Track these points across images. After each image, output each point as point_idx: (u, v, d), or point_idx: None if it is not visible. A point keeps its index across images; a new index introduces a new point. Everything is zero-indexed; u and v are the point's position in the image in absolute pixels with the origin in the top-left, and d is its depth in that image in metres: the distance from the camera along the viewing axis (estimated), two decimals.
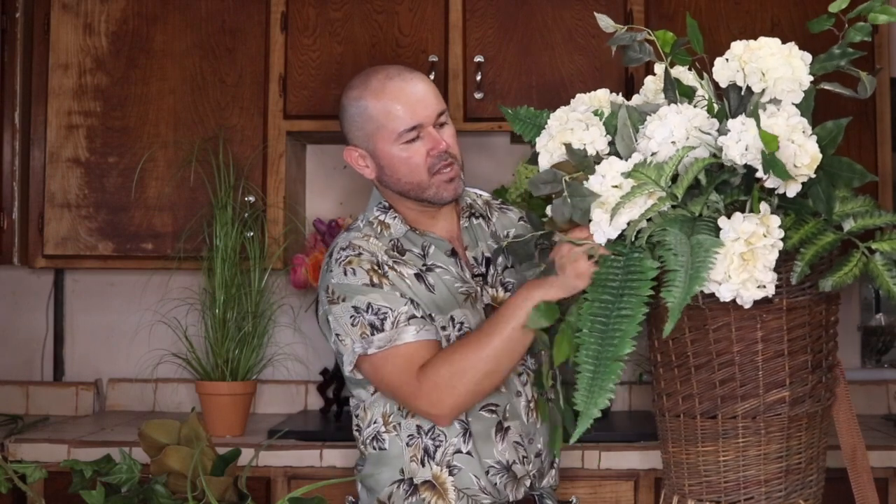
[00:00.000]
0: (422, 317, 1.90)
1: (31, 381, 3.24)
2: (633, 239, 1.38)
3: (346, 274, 1.92)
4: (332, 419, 2.96)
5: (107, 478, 1.62)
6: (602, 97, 1.59)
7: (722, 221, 1.33)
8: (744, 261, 1.31)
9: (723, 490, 1.48)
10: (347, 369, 1.95)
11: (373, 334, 1.88)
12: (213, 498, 1.49)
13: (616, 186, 1.37)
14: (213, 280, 2.78)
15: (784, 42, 1.43)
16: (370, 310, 1.89)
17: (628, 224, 1.37)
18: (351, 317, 1.90)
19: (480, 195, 2.17)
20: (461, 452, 1.94)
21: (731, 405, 1.45)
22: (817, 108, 1.44)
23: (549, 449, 2.03)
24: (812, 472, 1.51)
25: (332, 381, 3.01)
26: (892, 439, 2.67)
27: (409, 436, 1.95)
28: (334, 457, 2.60)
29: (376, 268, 1.92)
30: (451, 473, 1.93)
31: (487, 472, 1.94)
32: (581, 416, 1.32)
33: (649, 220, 1.37)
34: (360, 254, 1.93)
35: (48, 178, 2.96)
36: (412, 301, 1.91)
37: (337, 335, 1.94)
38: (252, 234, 2.83)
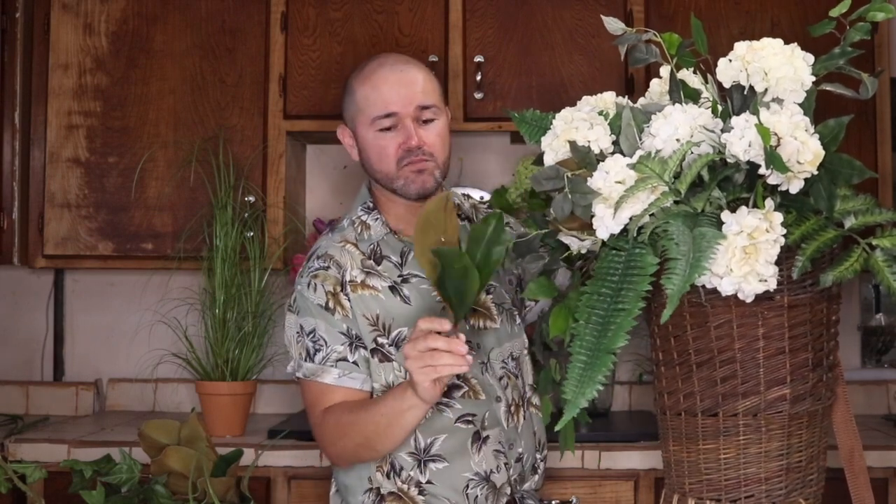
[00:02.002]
0: (354, 361, 1.92)
1: (31, 381, 3.24)
2: (635, 234, 1.38)
3: (309, 286, 1.95)
4: None
5: (107, 478, 1.62)
6: (608, 99, 1.59)
7: (725, 215, 1.34)
8: (746, 254, 1.32)
9: (723, 488, 1.48)
10: (290, 374, 2.01)
11: (305, 360, 1.94)
12: (216, 499, 1.49)
13: (619, 182, 1.38)
14: (213, 280, 2.78)
15: (784, 42, 1.43)
16: (311, 335, 1.93)
17: (630, 219, 1.38)
18: (296, 332, 1.96)
19: (469, 198, 2.16)
20: (434, 469, 1.91)
21: (732, 403, 1.45)
22: (817, 108, 1.45)
23: (532, 452, 2.00)
24: (812, 471, 1.51)
25: None
26: (892, 439, 2.67)
27: None
28: None
29: (339, 288, 1.93)
30: (420, 493, 1.90)
31: (467, 486, 1.91)
32: (568, 405, 1.32)
33: (651, 215, 1.37)
34: (328, 268, 1.95)
35: (48, 178, 2.96)
36: (352, 342, 1.92)
37: (287, 340, 1.99)
38: (252, 234, 2.83)
